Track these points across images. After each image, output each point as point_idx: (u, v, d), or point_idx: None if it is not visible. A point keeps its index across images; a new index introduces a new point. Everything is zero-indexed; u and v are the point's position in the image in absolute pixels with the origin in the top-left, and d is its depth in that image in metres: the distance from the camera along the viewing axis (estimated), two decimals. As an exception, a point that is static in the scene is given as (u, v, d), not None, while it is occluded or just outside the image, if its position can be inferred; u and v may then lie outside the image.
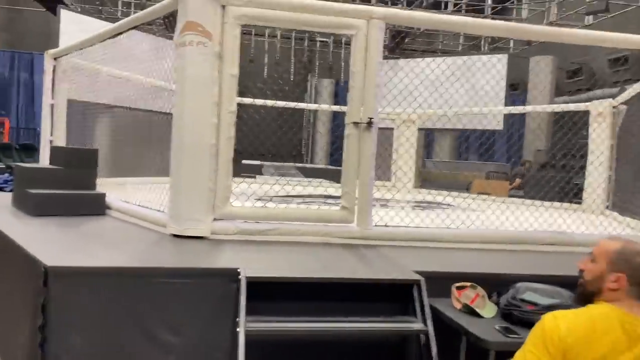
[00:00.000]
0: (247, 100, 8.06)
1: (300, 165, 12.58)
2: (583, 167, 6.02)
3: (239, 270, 2.45)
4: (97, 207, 3.92)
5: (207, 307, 2.50)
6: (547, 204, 5.87)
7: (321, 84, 16.74)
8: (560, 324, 1.55)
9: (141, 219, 3.61)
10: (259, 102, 8.23)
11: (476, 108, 8.57)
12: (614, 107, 5.79)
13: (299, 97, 16.09)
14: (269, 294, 2.50)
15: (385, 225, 3.55)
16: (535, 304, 2.28)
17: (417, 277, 2.57)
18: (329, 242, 3.36)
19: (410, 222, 3.70)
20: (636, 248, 1.65)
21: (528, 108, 8.65)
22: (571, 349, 1.51)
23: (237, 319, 2.31)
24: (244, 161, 10.12)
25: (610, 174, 5.78)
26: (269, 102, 8.34)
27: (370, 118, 3.38)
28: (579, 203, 6.00)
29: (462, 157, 14.70)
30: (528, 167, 11.25)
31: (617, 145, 5.71)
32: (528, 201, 6.50)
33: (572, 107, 6.54)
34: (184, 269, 2.58)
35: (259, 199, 4.58)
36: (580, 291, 1.71)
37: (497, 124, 11.32)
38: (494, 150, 12.18)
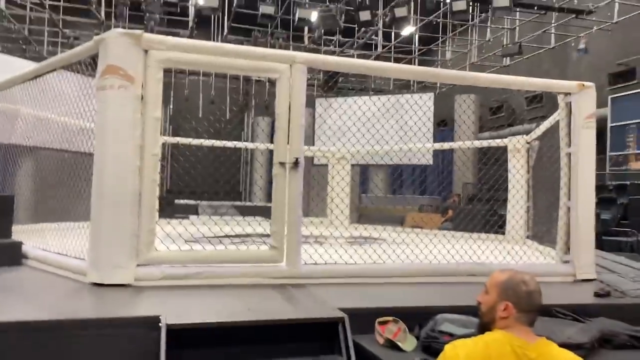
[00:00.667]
0: (183, 140, 8.00)
1: (237, 203, 12.49)
2: (506, 199, 6.39)
3: (160, 317, 2.39)
4: (11, 257, 3.70)
5: (128, 358, 2.41)
6: (474, 235, 6.14)
7: (258, 122, 16.86)
8: (459, 352, 1.66)
9: (60, 267, 3.44)
10: (195, 141, 8.16)
11: (406, 145, 8.92)
12: (527, 142, 6.22)
13: (236, 136, 16.11)
14: (193, 341, 2.45)
15: (315, 264, 3.59)
16: (451, 335, 2.37)
17: (341, 314, 2.60)
18: (259, 284, 3.34)
19: (340, 259, 3.75)
20: (521, 277, 1.79)
21: (452, 144, 9.11)
22: None
23: (157, 370, 2.24)
24: (178, 201, 9.95)
25: (529, 205, 6.15)
26: (205, 142, 8.29)
27: (297, 158, 3.46)
28: (502, 233, 6.32)
29: (397, 192, 15.14)
30: (457, 200, 11.75)
31: (533, 178, 6.11)
32: (457, 233, 6.77)
33: (491, 143, 6.96)
34: (100, 319, 2.48)
35: (191, 241, 4.50)
36: (479, 322, 1.83)
37: (427, 160, 11.85)
38: (425, 185, 12.64)
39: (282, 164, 3.44)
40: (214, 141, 7.71)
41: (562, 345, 1.91)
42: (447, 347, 1.72)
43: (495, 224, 6.77)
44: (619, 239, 9.10)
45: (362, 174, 14.68)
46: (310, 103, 14.50)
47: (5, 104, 5.00)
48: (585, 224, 3.94)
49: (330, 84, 13.15)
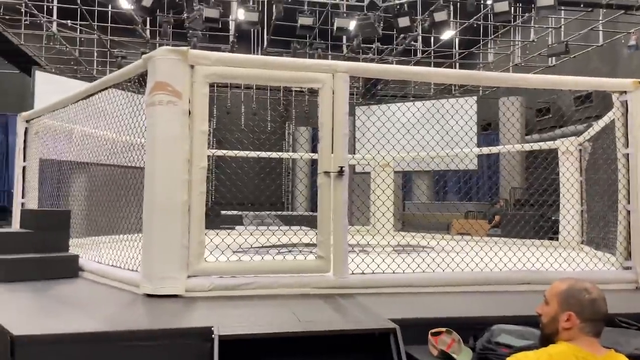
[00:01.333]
0: (228, 153, 8.16)
1: (281, 213, 12.58)
2: (557, 203, 6.15)
3: (212, 328, 2.41)
4: (69, 269, 3.85)
5: (181, 369, 2.44)
6: (526, 241, 5.93)
7: (298, 132, 16.99)
8: None
9: (114, 279, 3.55)
10: (240, 153, 8.30)
11: (450, 150, 8.76)
12: (580, 144, 5.98)
13: (278, 146, 16.29)
14: (244, 352, 2.46)
15: (362, 273, 3.55)
16: (509, 347, 2.28)
17: (392, 325, 2.55)
18: (307, 294, 3.33)
19: (388, 268, 3.70)
20: (583, 285, 1.71)
21: (498, 148, 8.87)
22: None
23: (210, 380, 2.26)
24: (224, 212, 10.14)
25: (582, 209, 5.90)
26: (249, 153, 8.41)
27: (341, 167, 3.44)
28: (556, 239, 6.08)
29: (442, 198, 14.88)
30: (504, 205, 11.41)
31: (586, 181, 5.86)
32: (507, 239, 6.56)
33: (541, 145, 6.73)
34: (154, 330, 2.52)
35: (239, 251, 4.55)
36: (541, 334, 1.75)
37: (472, 164, 11.58)
38: (471, 190, 12.36)
39: (327, 173, 3.43)
40: (257, 152, 7.81)
41: (630, 357, 1.81)
42: (509, 359, 1.64)
43: (547, 229, 6.53)
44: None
45: (406, 180, 14.52)
46: (350, 111, 14.51)
47: (61, 123, 5.24)
48: (648, 228, 3.73)
49: (371, 92, 13.09)
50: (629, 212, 3.80)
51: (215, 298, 3.16)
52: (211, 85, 3.36)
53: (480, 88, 14.72)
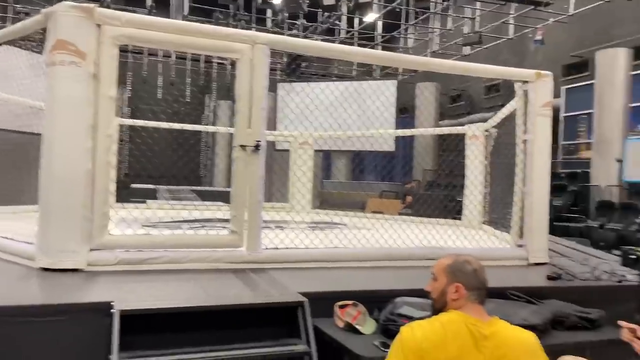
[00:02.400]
0: (141, 122, 7.76)
1: (198, 188, 12.27)
2: (464, 186, 6.50)
3: (112, 303, 2.31)
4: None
5: (80, 346, 2.33)
6: (432, 220, 6.24)
7: (220, 106, 16.56)
8: (416, 332, 1.68)
9: (7, 252, 3.28)
10: (154, 124, 7.93)
11: (368, 131, 8.94)
12: (485, 130, 6.35)
13: (197, 119, 15.79)
14: (148, 327, 2.38)
15: (276, 248, 3.56)
16: (410, 318, 2.39)
17: (301, 298, 2.59)
18: (218, 268, 3.29)
19: (301, 244, 3.74)
20: (465, 258, 1.86)
21: (414, 131, 9.21)
22: (427, 354, 1.64)
23: (110, 356, 2.17)
24: (135, 185, 9.68)
25: (486, 192, 6.30)
26: (165, 124, 8.07)
27: (258, 141, 3.40)
28: (460, 219, 6.45)
29: (359, 178, 15.25)
30: (417, 186, 11.93)
31: (490, 165, 6.25)
32: (416, 218, 6.87)
33: (451, 130, 7.07)
34: (49, 305, 2.37)
35: (148, 225, 4.37)
36: (433, 309, 1.86)
37: (389, 146, 11.94)
38: (387, 171, 12.76)
39: (243, 147, 3.37)
40: (174, 124, 7.51)
41: (519, 327, 1.96)
42: (403, 328, 1.73)
43: (453, 209, 6.90)
44: (569, 224, 9.48)
45: (325, 159, 14.69)
46: (272, 87, 14.34)
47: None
48: (539, 209, 4.06)
49: (293, 69, 13.01)
50: (524, 194, 4.10)
51: (120, 272, 3.02)
52: (124, 50, 3.16)
53: (400, 72, 15.15)
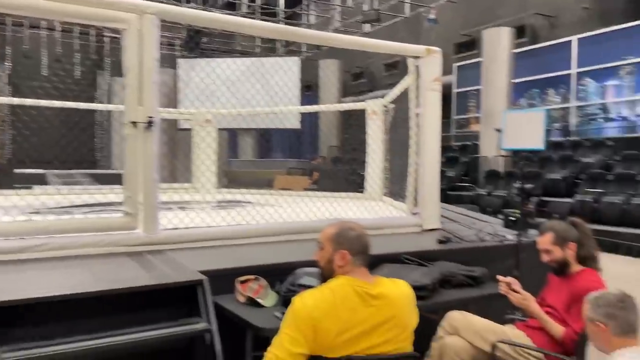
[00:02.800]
0: (25, 102, 7.08)
1: (93, 171, 11.51)
2: (365, 160, 6.71)
3: (-18, 295, 2.11)
4: None
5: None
6: (336, 194, 6.40)
7: (116, 84, 15.55)
8: (307, 301, 1.72)
9: None
10: (41, 102, 7.28)
11: (273, 108, 8.87)
12: (384, 106, 6.57)
13: (90, 100, 14.71)
14: (34, 319, 2.21)
15: (175, 229, 3.45)
16: (310, 287, 2.43)
17: (199, 276, 2.54)
18: (113, 252, 3.12)
19: (203, 222, 3.65)
20: (348, 225, 1.93)
21: (317, 108, 9.31)
22: (319, 322, 1.68)
23: (-14, 353, 1.99)
24: (19, 170, 8.85)
25: (385, 165, 6.55)
26: (54, 103, 7.43)
27: (150, 117, 3.23)
28: (362, 192, 6.67)
29: (266, 156, 15.20)
30: (323, 162, 12.14)
31: (389, 140, 6.50)
32: (321, 194, 6.99)
33: (351, 106, 7.23)
34: None
35: (31, 212, 4.04)
36: (322, 277, 1.91)
37: (294, 124, 11.99)
38: (294, 148, 12.84)
39: (134, 123, 3.20)
40: (58, 102, 6.93)
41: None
42: (294, 299, 1.77)
43: (356, 183, 7.11)
44: (461, 193, 10.19)
45: (231, 138, 14.43)
46: (172, 64, 13.71)
47: None
48: (431, 179, 4.29)
49: (192, 44, 12.52)
50: (417, 165, 4.32)
51: (-1, 263, 2.77)
52: (0, 23, 2.83)
53: (303, 50, 15.19)
